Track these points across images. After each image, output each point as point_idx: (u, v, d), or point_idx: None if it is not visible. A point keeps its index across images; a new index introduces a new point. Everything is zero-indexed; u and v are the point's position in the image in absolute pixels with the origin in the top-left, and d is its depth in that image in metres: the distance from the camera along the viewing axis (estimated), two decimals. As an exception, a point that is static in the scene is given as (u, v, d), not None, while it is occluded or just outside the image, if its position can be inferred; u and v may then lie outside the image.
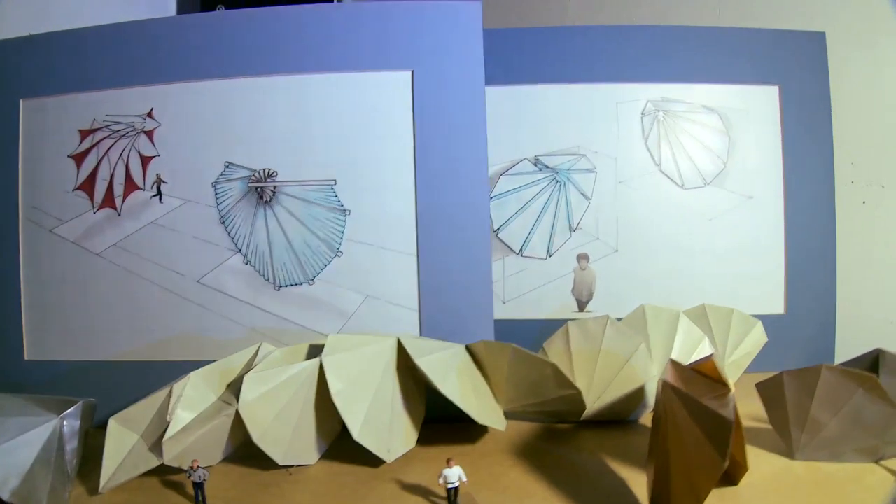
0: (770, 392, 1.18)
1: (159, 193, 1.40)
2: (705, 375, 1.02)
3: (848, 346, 1.57)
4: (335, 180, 1.38)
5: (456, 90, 1.38)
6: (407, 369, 1.24)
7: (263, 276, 1.39)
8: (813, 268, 1.60)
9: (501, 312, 1.56)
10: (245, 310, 1.39)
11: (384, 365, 1.23)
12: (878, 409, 1.06)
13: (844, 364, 1.21)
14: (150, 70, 1.42)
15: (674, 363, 1.07)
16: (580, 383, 1.30)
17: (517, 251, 1.59)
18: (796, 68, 1.60)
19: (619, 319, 1.39)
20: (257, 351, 1.25)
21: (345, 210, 1.37)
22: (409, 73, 1.38)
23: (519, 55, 1.58)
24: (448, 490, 1.00)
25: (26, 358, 1.43)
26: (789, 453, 1.13)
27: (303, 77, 1.39)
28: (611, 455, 1.19)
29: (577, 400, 1.26)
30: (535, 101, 1.58)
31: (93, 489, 1.10)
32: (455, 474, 1.00)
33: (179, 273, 1.40)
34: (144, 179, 1.41)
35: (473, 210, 1.37)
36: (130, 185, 1.42)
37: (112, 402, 1.26)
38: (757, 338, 1.43)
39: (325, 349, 1.20)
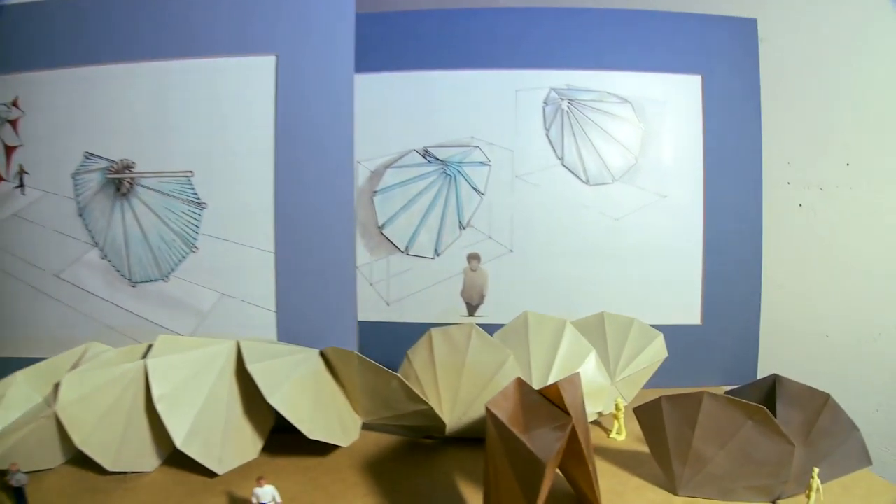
0: (648, 418, 1.06)
1: (21, 185, 1.35)
2: (550, 402, 0.93)
3: (774, 362, 1.44)
4: (192, 172, 1.31)
5: (323, 77, 1.30)
6: (248, 375, 1.15)
7: (119, 271, 1.33)
8: (734, 275, 1.47)
9: (385, 315, 1.47)
10: (103, 306, 1.34)
11: (219, 370, 1.17)
12: (771, 444, 0.95)
13: (736, 390, 1.10)
14: (14, 58, 1.37)
15: (519, 382, 0.97)
16: (445, 397, 1.21)
17: (403, 249, 1.49)
18: (722, 57, 1.47)
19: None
20: (86, 351, 1.19)
21: (201, 203, 1.31)
22: (273, 57, 1.29)
23: (409, 40, 1.48)
24: None
25: None
26: (672, 488, 1.03)
27: (163, 63, 1.31)
28: (467, 478, 1.11)
29: (431, 415, 1.16)
30: (425, 88, 1.48)
31: None
32: (267, 494, 0.95)
33: (39, 267, 1.35)
34: (8, 170, 1.36)
35: (337, 205, 1.29)
36: (-6, 176, 1.36)
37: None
38: (656, 352, 1.31)
39: (152, 351, 1.15)
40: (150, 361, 1.12)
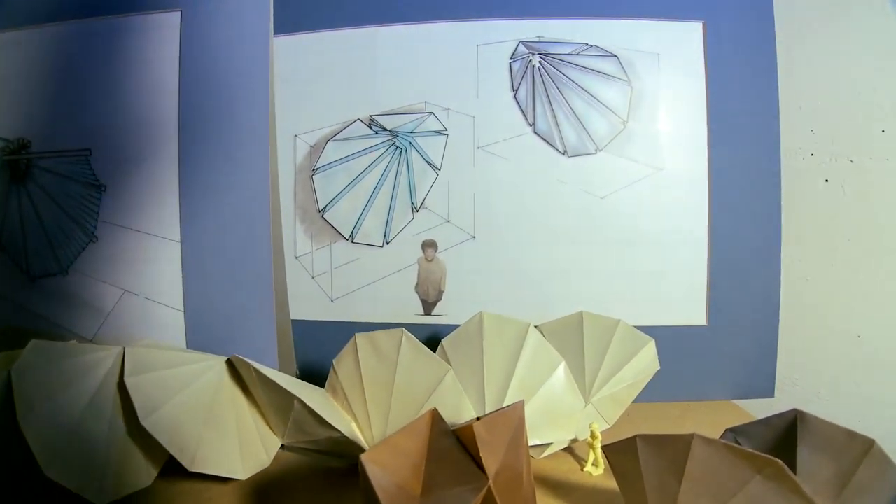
0: (622, 461, 0.82)
1: (-80, 168, 1.20)
2: (463, 451, 0.73)
3: (795, 371, 1.18)
4: (90, 150, 1.13)
5: (234, 36, 1.13)
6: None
7: (17, 263, 1.17)
8: (747, 265, 1.21)
9: (330, 313, 1.27)
10: (2, 305, 1.16)
11: (99, 382, 0.99)
12: None
13: (743, 429, 0.85)
14: None
15: (433, 419, 0.77)
16: (374, 416, 1.02)
17: (347, 236, 1.27)
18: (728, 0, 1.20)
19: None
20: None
21: (100, 185, 1.12)
22: (178, 13, 1.10)
23: (348, -9, 1.24)
24: None
25: None
26: None
27: (56, 27, 1.14)
28: None
29: (348, 443, 0.98)
30: (369, 48, 1.26)
31: None
32: None
33: (-67, 260, 1.19)
34: None
35: (252, 186, 1.09)
36: None
37: None
38: (645, 363, 1.08)
39: (19, 360, 0.97)
40: (15, 372, 0.96)
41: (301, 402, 0.94)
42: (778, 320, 1.21)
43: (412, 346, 1.02)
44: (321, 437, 0.99)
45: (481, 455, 0.69)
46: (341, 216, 1.27)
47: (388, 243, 1.27)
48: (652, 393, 1.11)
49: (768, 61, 1.19)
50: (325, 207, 1.27)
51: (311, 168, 1.27)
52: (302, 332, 1.23)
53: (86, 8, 1.16)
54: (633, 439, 0.80)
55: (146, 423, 0.93)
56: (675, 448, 0.75)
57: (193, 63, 1.12)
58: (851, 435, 0.77)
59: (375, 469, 0.67)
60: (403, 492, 0.67)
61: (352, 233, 1.27)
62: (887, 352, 1.21)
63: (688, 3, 1.21)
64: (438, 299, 1.26)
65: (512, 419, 0.76)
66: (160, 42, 1.13)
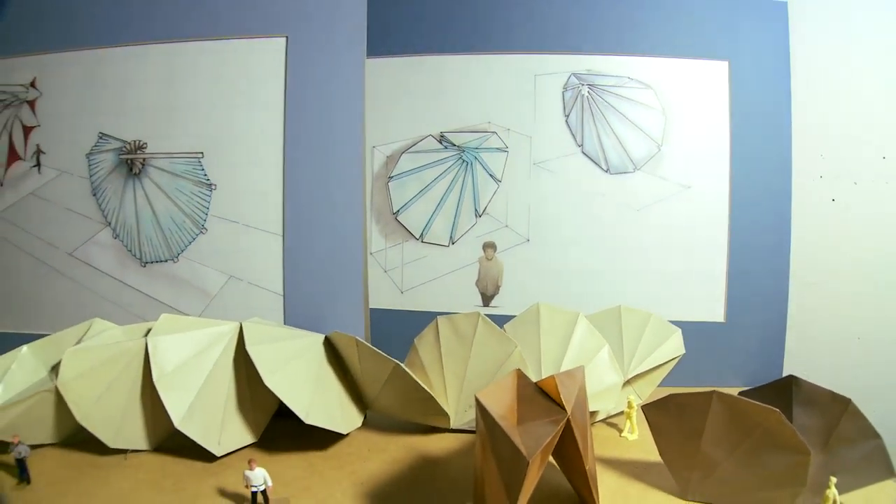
0: (657, 417, 1.00)
1: (38, 164, 1.37)
2: (546, 396, 0.89)
3: (801, 365, 1.38)
4: (202, 153, 1.31)
5: (334, 59, 1.30)
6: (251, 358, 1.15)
7: (131, 251, 1.34)
8: (761, 271, 1.41)
9: (399, 303, 1.45)
10: (114, 285, 1.36)
11: (221, 351, 1.16)
12: (784, 451, 0.87)
13: (750, 392, 1.03)
14: (34, 37, 1.40)
15: (518, 374, 0.94)
16: (451, 386, 1.19)
17: (417, 236, 1.46)
18: (751, 42, 1.41)
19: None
20: (90, 327, 1.19)
21: (210, 184, 1.31)
22: (283, 39, 1.29)
23: (426, 22, 1.46)
24: (252, 493, 0.94)
25: None
26: (680, 492, 0.96)
27: (174, 45, 1.32)
28: (467, 471, 1.06)
29: (434, 405, 1.15)
30: (442, 72, 1.46)
31: None
32: (259, 476, 0.94)
33: (54, 245, 1.38)
34: (26, 150, 1.39)
35: (347, 190, 1.29)
36: (13, 156, 1.40)
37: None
38: (672, 348, 1.26)
39: (154, 329, 1.14)
40: (150, 340, 1.11)
41: (400, 366, 1.11)
42: (786, 320, 1.41)
43: (487, 327, 1.20)
44: (409, 400, 1.15)
45: (561, 396, 0.86)
46: (413, 218, 1.47)
47: (453, 243, 1.46)
48: (676, 379, 1.29)
49: (784, 96, 1.39)
50: (398, 210, 1.47)
51: (386, 176, 1.47)
52: (374, 318, 1.41)
53: (199, 29, 1.33)
54: (666, 398, 0.98)
55: (269, 382, 1.09)
56: (699, 403, 0.94)
57: (297, 82, 1.30)
58: (833, 395, 0.96)
59: (487, 402, 0.85)
60: (507, 421, 0.85)
61: (422, 233, 1.47)
62: (882, 352, 1.41)
63: (715, 44, 1.41)
64: (496, 293, 1.45)
65: (578, 376, 0.94)
66: (268, 63, 1.31)
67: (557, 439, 0.85)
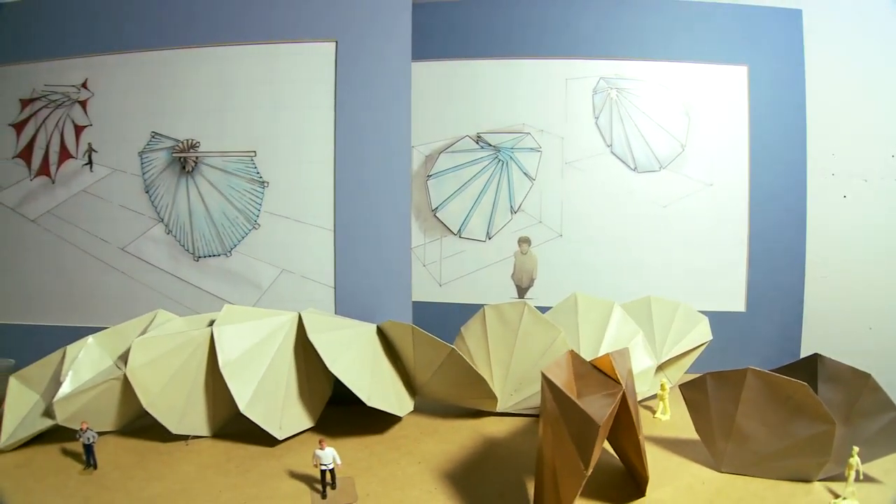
0: (693, 395, 1.08)
1: (90, 162, 1.42)
2: (601, 372, 0.96)
3: (815, 350, 1.45)
4: (255, 152, 1.37)
5: (381, 63, 1.37)
6: (309, 346, 1.21)
7: (184, 246, 1.40)
8: (779, 264, 1.50)
9: (438, 295, 1.53)
10: (166, 279, 1.41)
11: (281, 340, 1.22)
12: (811, 422, 0.95)
13: (779, 369, 1.09)
14: (85, 40, 1.45)
15: (572, 354, 1.01)
16: (497, 371, 1.26)
17: (455, 232, 1.54)
18: (768, 48, 1.51)
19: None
20: (154, 318, 1.24)
21: (263, 182, 1.37)
22: (333, 43, 1.36)
23: (463, 28, 1.54)
24: (322, 471, 0.98)
25: (-37, 320, 1.47)
26: (715, 465, 1.04)
27: (226, 48, 1.39)
28: (518, 452, 1.14)
29: (485, 388, 1.22)
30: (478, 76, 1.54)
31: None
32: (328, 455, 0.98)
33: (105, 241, 1.43)
34: (77, 148, 1.44)
35: (394, 187, 1.36)
36: (64, 154, 1.45)
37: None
38: (701, 334, 1.35)
39: (219, 319, 1.20)
40: (216, 329, 1.17)
41: (455, 352, 1.18)
42: (802, 310, 1.50)
43: (533, 315, 1.27)
44: (460, 384, 1.22)
45: (616, 371, 0.94)
46: (451, 215, 1.55)
47: (489, 238, 1.54)
48: (700, 366, 1.36)
49: (799, 98, 1.49)
50: (437, 207, 1.55)
51: (425, 174, 1.54)
52: (414, 310, 1.47)
53: (251, 34, 1.40)
54: (703, 376, 1.06)
55: (333, 368, 1.16)
56: (734, 380, 1.02)
57: (347, 84, 1.36)
58: (854, 371, 1.04)
59: (552, 376, 0.92)
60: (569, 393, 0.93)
61: (459, 229, 1.54)
62: (892, 341, 1.51)
63: (735, 50, 1.51)
64: (530, 285, 1.53)
65: (626, 355, 1.02)
66: (318, 66, 1.38)
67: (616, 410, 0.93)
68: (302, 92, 1.37)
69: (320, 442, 0.99)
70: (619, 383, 0.92)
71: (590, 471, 0.81)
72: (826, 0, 1.51)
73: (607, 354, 0.97)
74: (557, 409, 0.87)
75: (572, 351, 1.03)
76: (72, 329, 1.40)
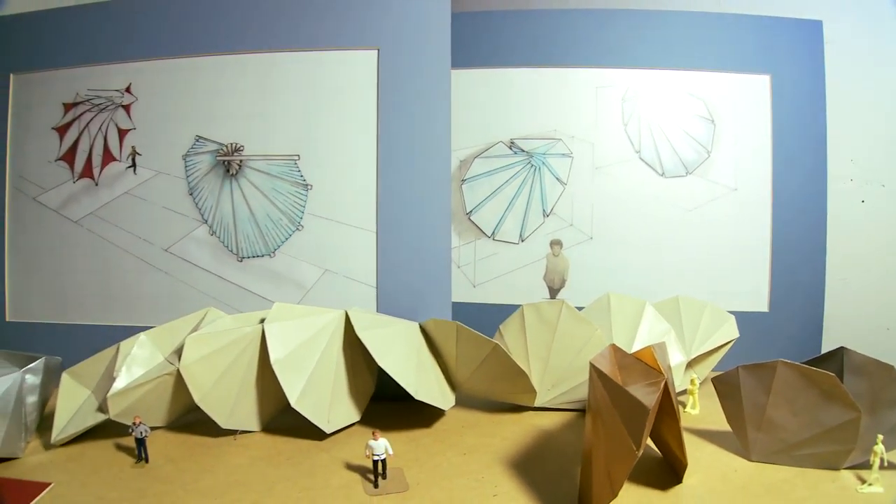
0: (726, 388, 1.13)
1: (134, 165, 1.46)
2: (644, 363, 1.01)
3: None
4: (298, 155, 1.42)
5: (421, 70, 1.41)
6: (354, 343, 1.26)
7: (227, 247, 1.44)
8: (800, 266, 1.56)
9: (471, 296, 1.58)
10: (209, 279, 1.45)
11: (329, 337, 1.26)
12: (839, 411, 1.00)
13: (807, 362, 1.14)
14: (129, 47, 1.49)
15: (614, 347, 1.06)
16: (535, 368, 1.30)
17: (489, 234, 1.60)
18: (790, 58, 1.57)
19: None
20: (205, 315, 1.28)
21: (307, 185, 1.41)
22: (375, 51, 1.41)
23: (498, 38, 1.60)
24: (374, 462, 1.02)
25: (7, 319, 1.52)
26: (746, 454, 1.09)
27: (270, 55, 1.43)
28: (558, 443, 1.18)
29: (526, 383, 1.26)
30: (512, 84, 1.60)
31: (49, 442, 1.16)
32: (381, 446, 1.02)
33: (149, 242, 1.47)
34: (121, 151, 1.48)
35: (435, 190, 1.40)
36: (108, 157, 1.49)
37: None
38: (728, 332, 1.40)
39: (269, 316, 1.24)
40: (268, 326, 1.21)
41: (497, 346, 1.22)
42: (823, 310, 1.56)
43: (570, 313, 1.32)
44: (502, 377, 1.26)
45: (659, 363, 0.99)
46: (485, 218, 1.60)
47: (522, 241, 1.60)
48: (727, 363, 1.42)
49: (820, 106, 1.55)
50: (471, 210, 1.60)
51: (460, 178, 1.59)
52: (449, 310, 1.52)
53: (295, 41, 1.44)
54: (735, 369, 1.12)
55: (382, 363, 1.20)
56: (765, 372, 1.08)
57: (389, 90, 1.41)
58: (879, 363, 1.10)
59: (600, 366, 0.96)
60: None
61: (493, 231, 1.60)
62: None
63: (759, 60, 1.57)
64: (562, 286, 1.59)
65: (665, 349, 1.07)
66: (360, 73, 1.42)
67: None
68: (345, 98, 1.41)
69: (374, 433, 1.03)
70: (662, 373, 0.96)
71: (640, 452, 0.85)
72: (845, 12, 1.58)
73: (649, 346, 1.02)
74: (607, 396, 0.92)
75: (614, 344, 1.08)
76: (115, 328, 1.46)
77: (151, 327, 1.26)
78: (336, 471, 1.08)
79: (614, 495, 0.89)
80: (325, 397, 1.22)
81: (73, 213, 1.50)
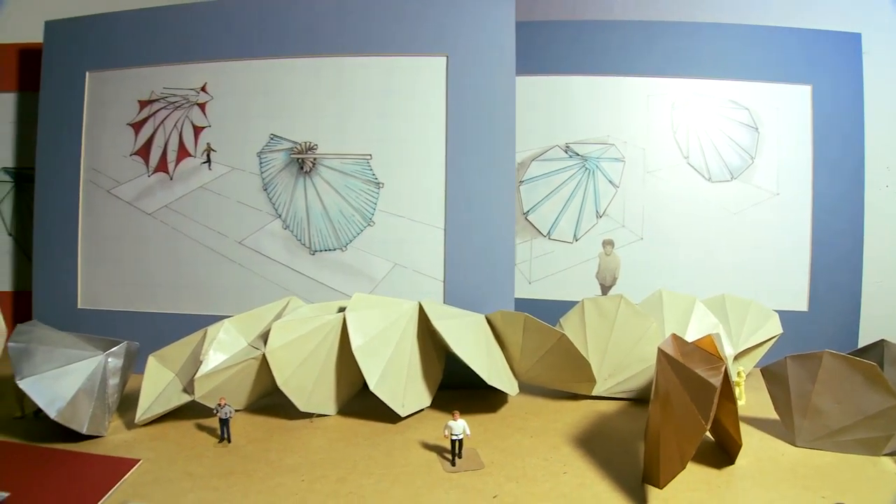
0: (774, 377, 1.21)
1: (209, 161, 1.54)
2: (704, 350, 1.08)
3: (872, 347, 1.61)
4: (371, 155, 1.50)
5: (488, 76, 1.50)
6: (426, 332, 1.34)
7: (300, 240, 1.51)
8: (838, 267, 1.65)
9: (527, 292, 1.66)
10: (282, 271, 1.52)
11: (404, 326, 1.34)
12: (880, 399, 1.08)
13: (850, 353, 1.21)
14: (205, 48, 1.57)
15: (675, 337, 1.13)
16: (593, 358, 1.38)
17: (545, 234, 1.68)
18: (830, 68, 1.66)
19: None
20: (287, 304, 1.35)
21: (379, 183, 1.49)
22: (444, 58, 1.50)
23: (555, 47, 1.69)
24: (452, 441, 1.08)
25: (79, 306, 1.59)
26: (792, 439, 1.17)
27: (344, 58, 1.51)
28: (619, 428, 1.26)
29: (587, 372, 1.34)
30: (568, 91, 1.69)
31: (131, 422, 1.23)
32: (459, 427, 1.08)
33: (223, 234, 1.54)
34: (196, 147, 1.55)
35: (500, 190, 1.49)
36: (183, 153, 1.56)
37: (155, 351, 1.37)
38: (772, 329, 1.48)
39: (350, 305, 1.31)
40: (349, 314, 1.28)
41: (564, 336, 1.30)
42: (860, 310, 1.65)
43: (629, 306, 1.40)
44: (566, 366, 1.34)
45: (718, 350, 1.06)
46: (541, 218, 1.69)
47: (576, 240, 1.69)
48: (769, 360, 1.51)
49: (858, 115, 1.65)
50: (528, 211, 1.69)
51: (518, 180, 1.68)
52: (506, 305, 1.60)
53: (368, 47, 1.53)
54: (784, 359, 1.19)
55: (458, 350, 1.27)
56: (812, 361, 1.15)
57: (457, 95, 1.49)
58: None
59: (667, 350, 1.05)
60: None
61: (549, 231, 1.69)
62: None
63: (800, 71, 1.67)
64: (613, 284, 1.68)
65: (721, 339, 1.14)
66: (430, 78, 1.50)
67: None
68: (415, 101, 1.50)
69: (454, 414, 1.09)
70: (722, 359, 1.04)
71: (709, 426, 0.92)
72: (883, 24, 1.68)
73: (709, 335, 1.10)
74: (676, 378, 1.00)
75: (675, 334, 1.15)
76: (189, 317, 1.53)
77: (222, 316, 1.33)
78: (413, 451, 1.14)
79: (683, 467, 0.97)
80: (400, 383, 1.29)
81: (147, 205, 1.57)
